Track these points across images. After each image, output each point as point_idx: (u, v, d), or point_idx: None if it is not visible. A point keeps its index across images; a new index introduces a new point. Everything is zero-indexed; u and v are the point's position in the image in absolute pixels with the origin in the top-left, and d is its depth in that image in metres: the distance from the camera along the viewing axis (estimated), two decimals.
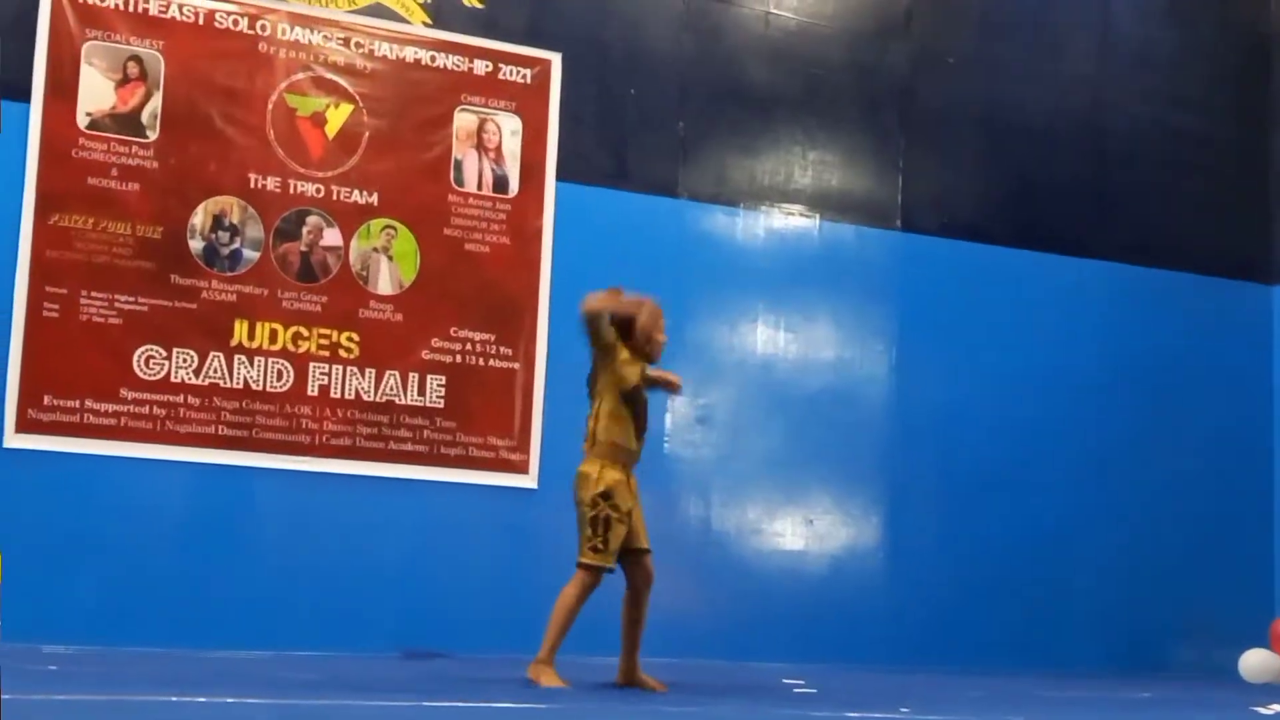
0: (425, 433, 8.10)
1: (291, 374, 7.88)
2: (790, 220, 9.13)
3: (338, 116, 8.11)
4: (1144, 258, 9.92)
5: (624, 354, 6.15)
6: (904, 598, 9.01)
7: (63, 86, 7.60)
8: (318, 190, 8.03)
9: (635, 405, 6.18)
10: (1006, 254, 9.60)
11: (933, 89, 9.56)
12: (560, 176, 8.53)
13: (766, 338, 8.96)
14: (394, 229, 8.15)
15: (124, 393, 7.59)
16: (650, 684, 6.18)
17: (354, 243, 8.08)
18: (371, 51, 8.20)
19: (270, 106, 7.98)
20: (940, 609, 9.08)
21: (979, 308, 9.47)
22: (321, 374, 7.94)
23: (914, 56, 9.54)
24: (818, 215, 9.18)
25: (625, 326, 6.19)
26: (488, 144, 8.39)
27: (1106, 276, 9.81)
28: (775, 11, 9.19)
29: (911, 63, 9.53)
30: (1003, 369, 9.45)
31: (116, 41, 7.72)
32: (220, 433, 7.74)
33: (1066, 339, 9.66)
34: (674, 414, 8.69)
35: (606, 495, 6.04)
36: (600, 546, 6.03)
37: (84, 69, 7.65)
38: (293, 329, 7.91)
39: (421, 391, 8.11)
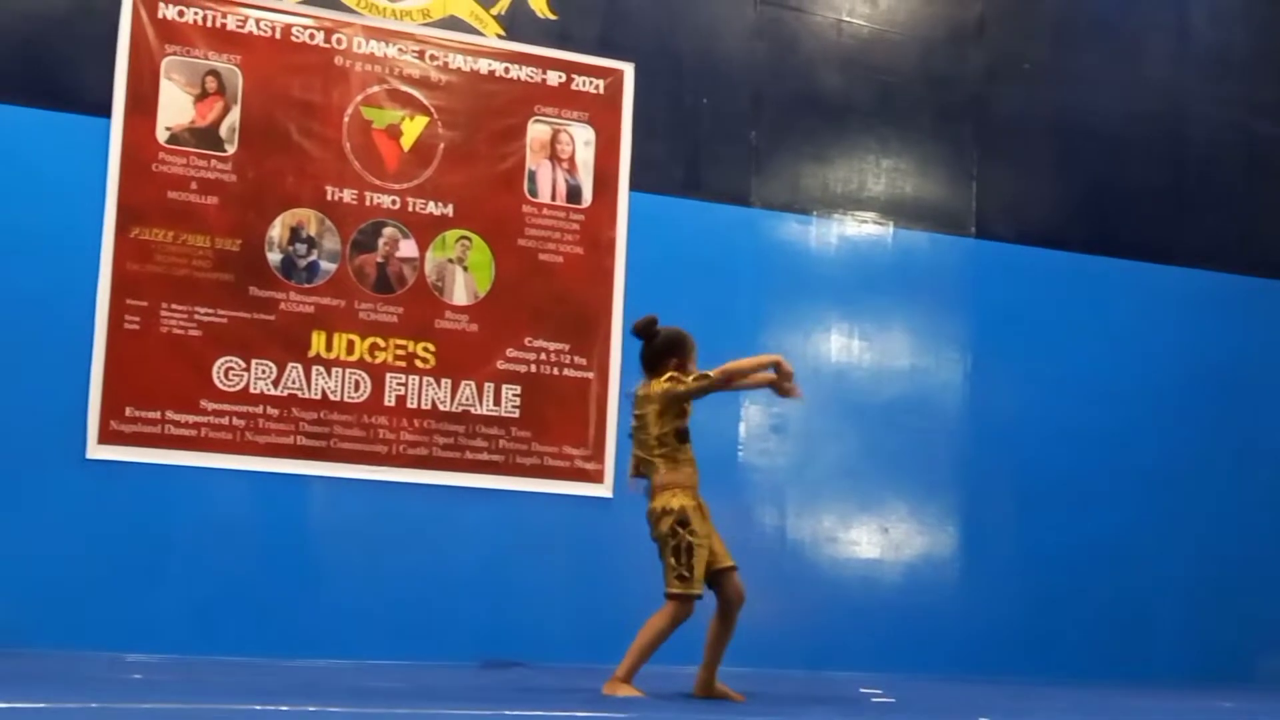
0: (500, 442, 8.13)
1: (368, 384, 7.94)
2: (864, 228, 9.11)
3: (413, 129, 8.17)
4: (1221, 263, 9.82)
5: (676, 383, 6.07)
6: (981, 606, 8.96)
7: (143, 102, 7.69)
8: (393, 202, 8.09)
9: (688, 434, 6.12)
10: (1082, 260, 9.53)
11: (1007, 95, 9.51)
12: (633, 186, 8.55)
13: (840, 346, 8.94)
14: (469, 240, 8.20)
15: (204, 404, 7.67)
16: (728, 694, 6.17)
17: (429, 254, 8.13)
18: (446, 64, 8.25)
19: (346, 119, 8.05)
20: (1018, 618, 9.02)
21: (1054, 315, 9.41)
22: (398, 384, 7.99)
23: (988, 63, 9.50)
24: (891, 223, 9.16)
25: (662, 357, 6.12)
26: (561, 155, 8.42)
27: (1183, 283, 9.71)
28: (848, 19, 9.17)
29: (985, 69, 9.49)
30: (1078, 376, 9.38)
31: (195, 57, 7.81)
32: (298, 443, 7.81)
33: (1143, 346, 9.57)
34: (748, 423, 8.69)
35: (683, 523, 5.99)
36: (686, 574, 5.97)
37: (163, 84, 7.74)
38: (369, 340, 7.97)
39: (497, 401, 8.15)
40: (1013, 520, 9.16)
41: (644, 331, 6.20)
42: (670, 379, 6.03)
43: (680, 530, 5.97)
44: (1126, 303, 9.59)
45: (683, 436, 6.08)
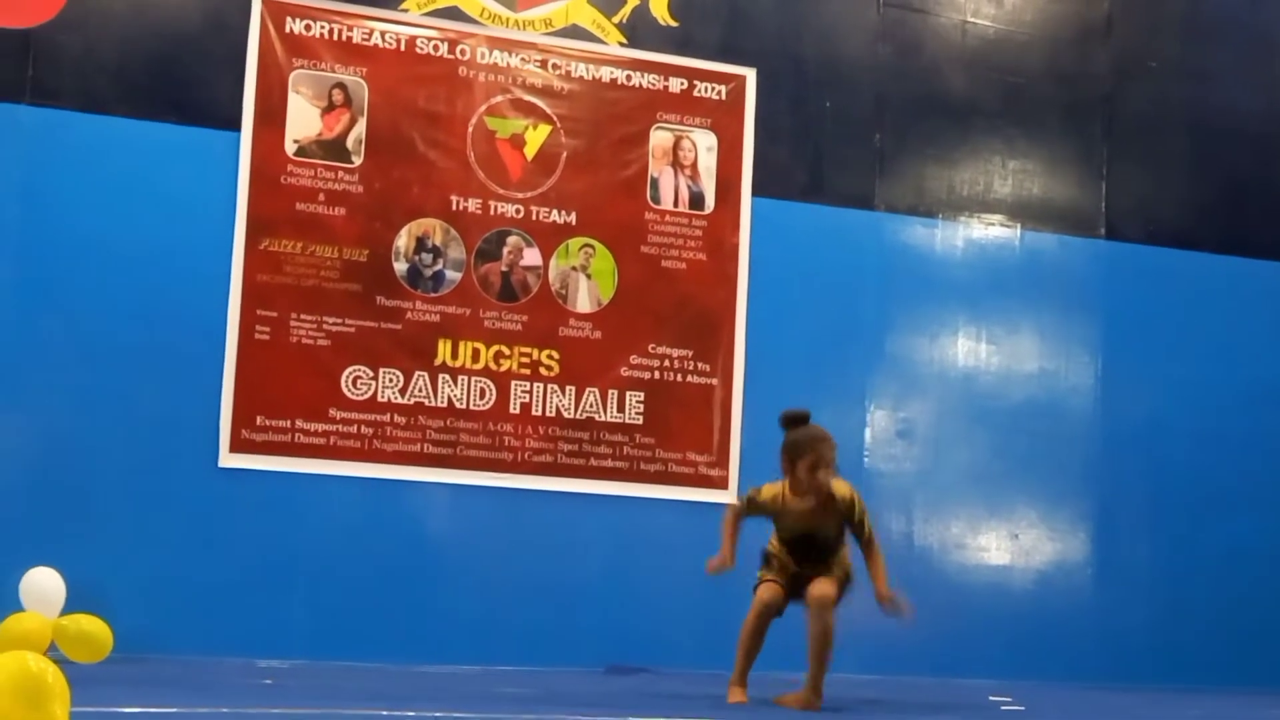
0: (625, 449, 8.15)
1: (494, 392, 8.00)
2: (990, 230, 9.00)
3: (536, 137, 8.22)
4: None
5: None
6: (1114, 613, 8.81)
7: (271, 115, 7.81)
8: (517, 211, 8.14)
9: (794, 548, 6.16)
10: (1216, 261, 9.34)
11: (1136, 94, 9.36)
12: (756, 192, 8.53)
13: (967, 350, 8.84)
14: (592, 247, 8.23)
15: (333, 412, 7.76)
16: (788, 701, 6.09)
17: (553, 262, 8.17)
18: (568, 72, 8.29)
19: (470, 129, 8.11)
20: (1152, 625, 8.86)
21: (1187, 317, 9.23)
22: (523, 392, 8.04)
23: (1116, 62, 9.35)
24: (1018, 225, 9.05)
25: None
26: (683, 161, 8.43)
27: None
28: (972, 20, 9.08)
29: (1114, 68, 9.34)
30: (1213, 379, 9.19)
31: (322, 70, 7.91)
32: (425, 451, 7.88)
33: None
34: (874, 429, 8.63)
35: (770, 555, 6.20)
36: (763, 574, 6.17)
37: (291, 97, 7.85)
38: (494, 348, 8.03)
39: (621, 408, 8.17)
40: (1146, 525, 9.00)
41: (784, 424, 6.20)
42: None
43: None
44: (1262, 304, 9.39)
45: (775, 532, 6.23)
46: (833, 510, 6.07)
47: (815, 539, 6.12)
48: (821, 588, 5.98)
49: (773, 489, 6.15)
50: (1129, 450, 9.01)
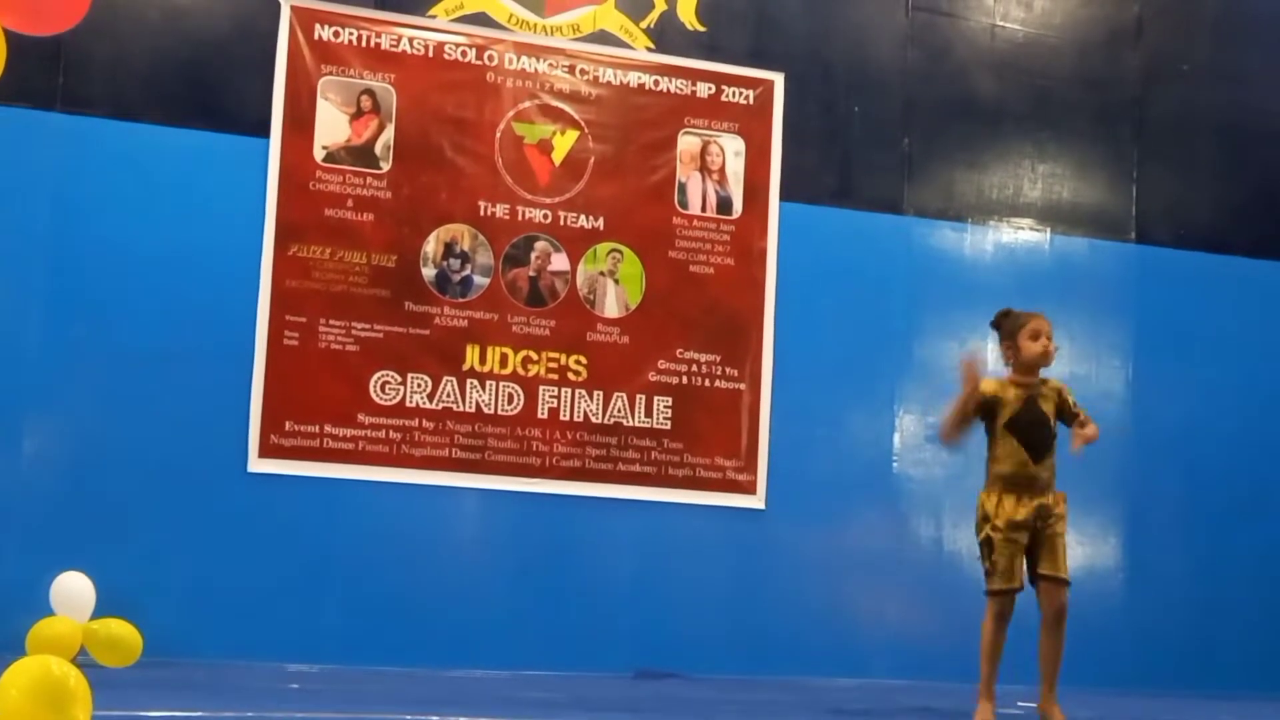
0: (653, 454, 8.14)
1: (522, 397, 8.00)
2: (1020, 234, 8.97)
3: (564, 143, 8.22)
4: None
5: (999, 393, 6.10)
6: (1146, 618, 8.76)
7: (300, 121, 7.84)
8: (545, 216, 8.14)
9: (1019, 431, 6.06)
10: (1248, 265, 9.28)
11: (1167, 97, 9.31)
12: (784, 196, 8.51)
13: (997, 355, 8.72)
14: (620, 252, 8.23)
15: (361, 417, 7.78)
16: (1054, 715, 6.06)
17: (581, 267, 8.17)
18: (596, 78, 8.29)
19: (498, 135, 8.12)
20: (1184, 631, 8.80)
21: (1220, 321, 9.17)
22: (551, 397, 8.04)
23: (1146, 65, 9.30)
24: (1048, 229, 9.01)
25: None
26: (711, 166, 8.42)
27: None
28: (1001, 24, 9.05)
29: (1144, 71, 9.29)
30: (1245, 384, 9.13)
31: (350, 76, 7.94)
32: (454, 455, 7.89)
33: None
34: (903, 434, 8.61)
35: (985, 517, 6.03)
36: (990, 569, 6.00)
37: (320, 104, 7.88)
38: (522, 353, 8.03)
39: (649, 413, 8.16)
40: (1178, 530, 8.94)
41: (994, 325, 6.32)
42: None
43: (983, 525, 6.04)
44: None
45: (992, 437, 6.11)
46: (1051, 397, 6.11)
47: (1042, 429, 6.08)
48: (1061, 596, 5.98)
49: (991, 383, 6.11)
50: (1160, 455, 8.96)
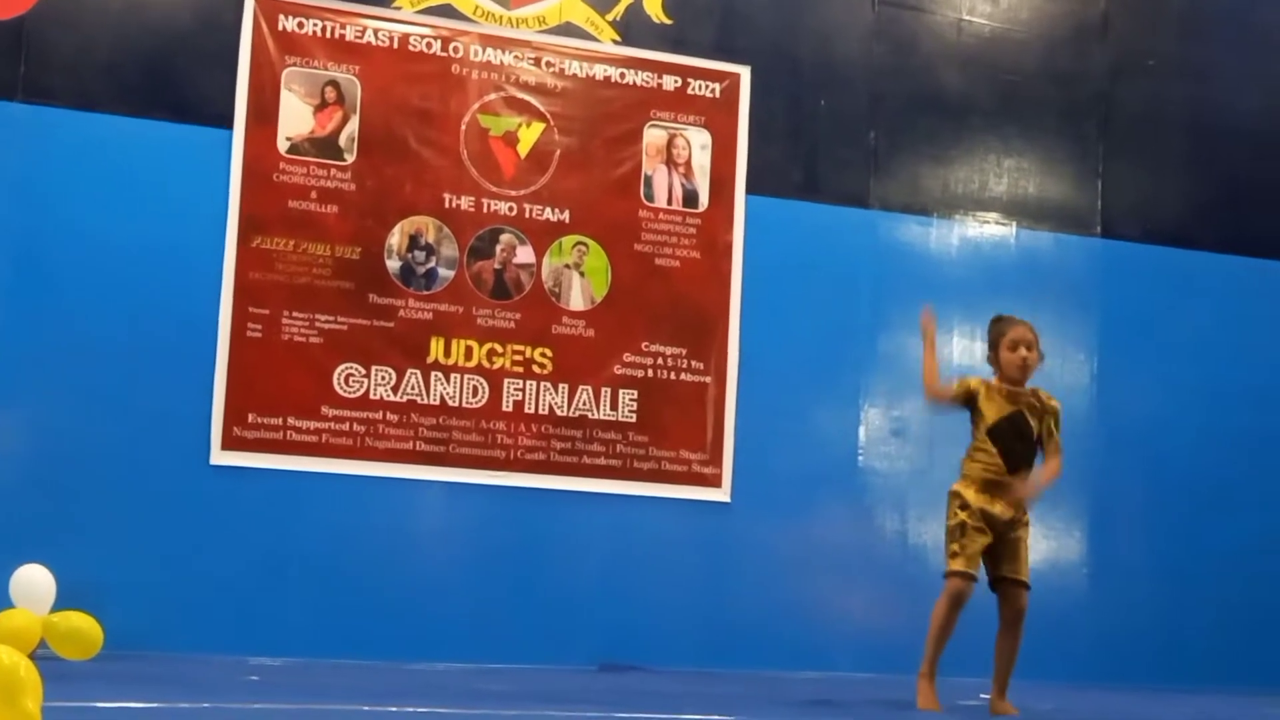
0: (618, 447, 8.13)
1: (486, 390, 7.99)
2: (985, 229, 8.98)
3: (529, 135, 8.21)
4: None
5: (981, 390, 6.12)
6: (1109, 613, 8.78)
7: (264, 113, 7.80)
8: (510, 209, 8.13)
9: (999, 440, 6.07)
10: (1213, 259, 9.31)
11: (1133, 92, 9.33)
12: (750, 190, 8.51)
13: (963, 348, 8.81)
14: (585, 245, 8.22)
15: (325, 410, 7.76)
16: (1006, 710, 6.08)
17: (546, 260, 8.16)
18: (562, 70, 8.28)
19: (464, 127, 8.10)
20: (1148, 624, 8.83)
21: (1184, 315, 9.20)
22: (515, 390, 8.03)
23: (1112, 60, 9.33)
24: (1014, 223, 9.03)
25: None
26: (677, 159, 8.41)
27: None
28: (968, 19, 9.06)
29: (1110, 66, 9.32)
30: (1210, 378, 9.16)
31: (315, 67, 7.91)
32: (418, 448, 7.87)
33: (1277, 347, 9.32)
34: (868, 427, 8.62)
35: (963, 505, 6.03)
36: (957, 551, 6.00)
37: (284, 95, 7.85)
38: (487, 346, 8.02)
39: (614, 406, 8.15)
40: (1142, 524, 8.97)
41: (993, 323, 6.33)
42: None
43: (959, 512, 6.04)
44: (1259, 302, 9.35)
45: (978, 432, 6.10)
46: (1036, 409, 6.12)
47: (1025, 443, 6.09)
48: (1022, 599, 6.02)
49: (978, 380, 6.16)
50: (1125, 449, 8.99)
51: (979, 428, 6.10)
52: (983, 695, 6.31)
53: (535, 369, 8.07)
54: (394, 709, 4.79)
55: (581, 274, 8.21)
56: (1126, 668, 8.63)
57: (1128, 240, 9.17)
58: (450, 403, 7.93)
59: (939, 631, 6.00)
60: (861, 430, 8.60)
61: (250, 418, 7.64)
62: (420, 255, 7.99)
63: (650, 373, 8.23)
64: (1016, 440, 6.07)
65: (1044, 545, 8.81)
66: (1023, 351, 6.07)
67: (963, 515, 6.01)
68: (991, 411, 6.08)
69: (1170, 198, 9.35)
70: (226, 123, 7.75)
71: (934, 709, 5.97)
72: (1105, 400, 9.00)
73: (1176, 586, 8.91)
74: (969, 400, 6.11)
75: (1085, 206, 9.15)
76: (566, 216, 8.20)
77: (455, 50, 8.13)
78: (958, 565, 5.96)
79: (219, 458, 7.59)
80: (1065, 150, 9.19)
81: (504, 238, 8.12)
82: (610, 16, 8.39)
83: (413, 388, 7.89)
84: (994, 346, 6.18)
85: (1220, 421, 9.14)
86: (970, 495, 6.04)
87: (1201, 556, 8.96)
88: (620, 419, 8.15)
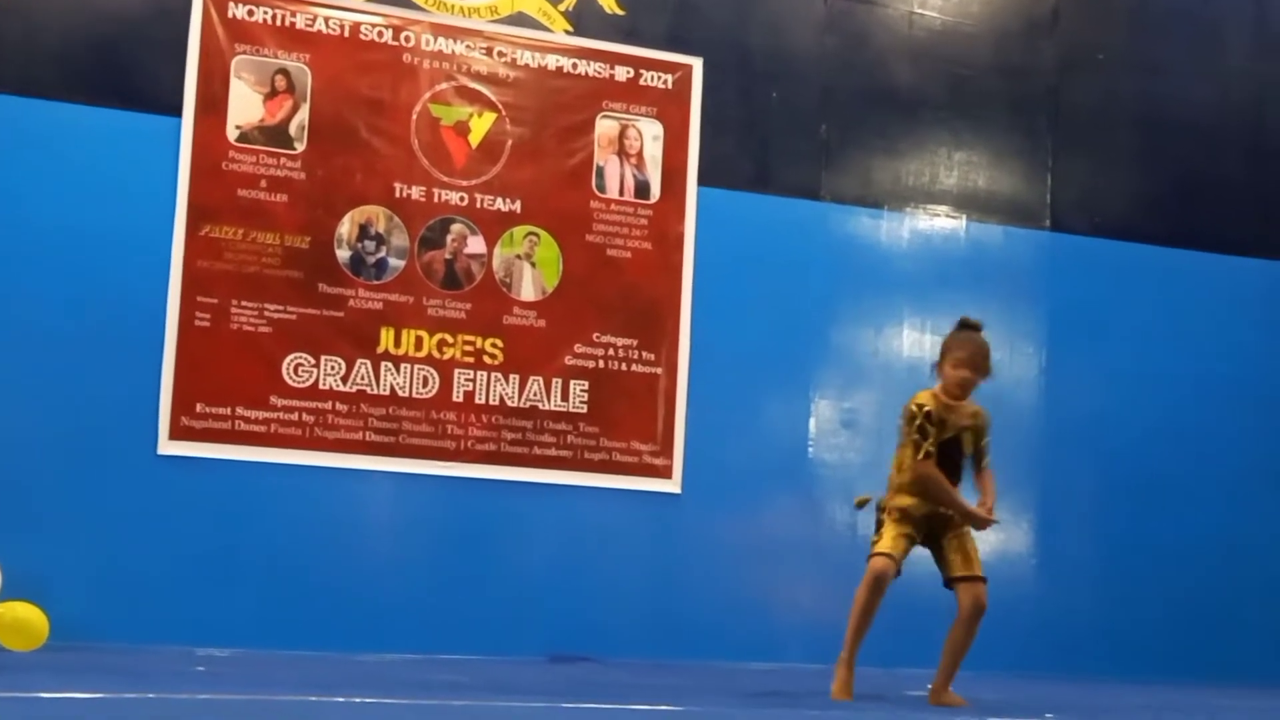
0: (569, 438, 8.13)
1: (437, 380, 7.96)
2: (935, 221, 9.02)
3: (481, 125, 8.19)
4: None
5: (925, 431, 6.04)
6: (1056, 604, 8.85)
7: (213, 101, 7.76)
8: (461, 199, 8.11)
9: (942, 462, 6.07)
10: (1162, 253, 9.37)
11: (1083, 86, 9.38)
12: (702, 181, 8.52)
13: (912, 341, 8.85)
14: (536, 236, 8.21)
15: (274, 400, 7.72)
16: (952, 700, 6.08)
17: (497, 250, 8.14)
18: (514, 60, 8.26)
19: (414, 117, 8.07)
20: (1094, 616, 8.90)
21: (1132, 309, 9.27)
22: (466, 380, 8.01)
23: (1062, 54, 9.37)
24: (964, 216, 9.06)
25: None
26: (629, 150, 8.41)
27: (1267, 276, 9.53)
28: (919, 11, 9.09)
29: (1060, 60, 9.37)
30: (1157, 372, 9.23)
31: (265, 55, 7.86)
32: (367, 439, 7.85)
33: (1225, 340, 9.39)
34: (818, 419, 8.64)
35: (880, 506, 6.12)
36: (876, 540, 6.04)
37: (233, 83, 7.80)
38: (438, 336, 7.99)
39: (565, 397, 8.15)
40: (1089, 517, 9.04)
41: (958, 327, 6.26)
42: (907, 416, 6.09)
43: (880, 512, 6.12)
44: (1207, 296, 9.42)
45: (906, 448, 6.08)
46: (969, 426, 6.08)
47: (956, 460, 6.08)
48: (981, 592, 6.02)
49: (927, 394, 6.09)
50: (1072, 441, 9.05)
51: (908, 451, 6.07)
52: (928, 686, 6.33)
53: (486, 359, 8.05)
54: (342, 700, 4.77)
55: (533, 264, 8.19)
56: (1073, 659, 8.69)
57: (1077, 234, 9.23)
58: (400, 393, 7.91)
59: (860, 617, 5.99)
60: (812, 422, 8.62)
61: (198, 407, 7.60)
62: (370, 245, 7.96)
63: (601, 364, 8.23)
64: (950, 459, 6.08)
65: (991, 537, 8.79)
66: (965, 373, 6.02)
67: (880, 514, 6.11)
68: (917, 466, 6.06)
69: (1119, 191, 9.41)
70: (175, 111, 7.70)
71: (846, 699, 5.95)
72: (1053, 392, 9.05)
73: (1122, 578, 8.98)
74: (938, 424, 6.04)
75: (1035, 200, 9.20)
76: (518, 207, 8.18)
77: (406, 39, 8.10)
78: (882, 546, 5.98)
79: (166, 447, 7.55)
80: (1015, 144, 9.24)
81: (455, 228, 8.09)
82: (562, 7, 8.37)
83: (362, 378, 7.87)
84: (943, 355, 6.12)
85: (1167, 414, 9.22)
86: (889, 498, 6.09)
87: (1148, 548, 9.03)
88: (571, 410, 8.15)
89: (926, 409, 6.02)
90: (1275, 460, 9.36)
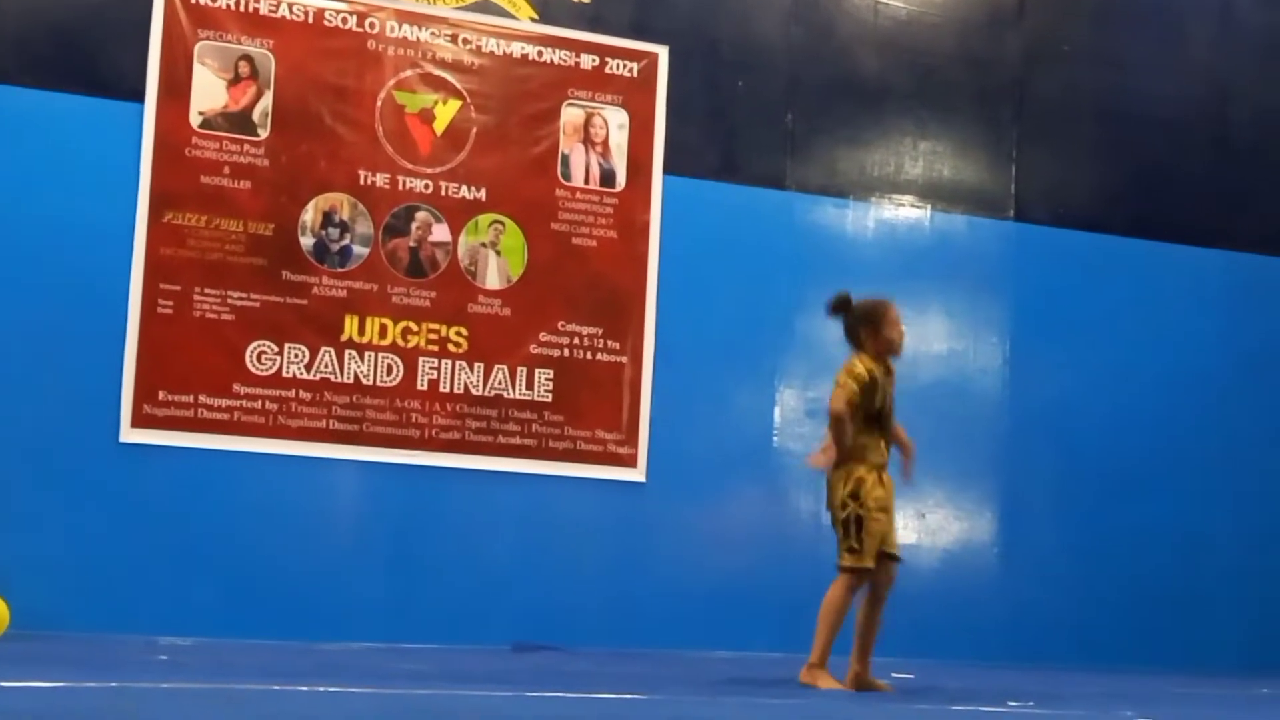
0: (533, 426, 8.12)
1: (401, 369, 7.94)
2: (900, 211, 9.03)
3: (446, 113, 8.16)
4: (1269, 247, 9.68)
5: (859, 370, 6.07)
6: (1020, 593, 8.88)
7: (176, 87, 7.71)
8: (426, 186, 8.08)
9: (879, 420, 6.10)
10: (1124, 244, 9.42)
11: (1047, 78, 9.42)
12: (667, 170, 8.51)
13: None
14: (502, 224, 8.19)
15: (237, 388, 7.69)
16: (878, 685, 6.07)
17: (462, 238, 8.12)
18: (479, 47, 8.23)
19: (379, 104, 8.04)
20: (1058, 605, 8.94)
21: (1096, 299, 9.31)
22: (430, 368, 7.99)
23: (1027, 46, 9.40)
24: (929, 206, 9.08)
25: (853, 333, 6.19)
26: (595, 138, 8.39)
27: (1230, 267, 9.58)
28: (885, 2, 9.10)
29: (1025, 52, 9.39)
30: (1121, 362, 9.27)
31: (228, 41, 7.82)
32: (331, 427, 7.82)
33: (1187, 331, 9.45)
34: (783, 408, 8.65)
35: (855, 495, 6.01)
36: (856, 547, 5.96)
37: (196, 69, 7.76)
38: (402, 324, 7.97)
39: (530, 385, 8.13)
40: (1052, 506, 9.08)
41: (836, 310, 6.27)
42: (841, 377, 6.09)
43: (850, 503, 5.99)
44: (1170, 287, 9.48)
45: (869, 420, 6.07)
46: (891, 383, 6.17)
47: (892, 416, 6.17)
48: (895, 573, 6.08)
49: (861, 364, 6.10)
50: (1036, 431, 9.08)
51: (869, 418, 6.08)
52: (895, 674, 6.35)
53: (450, 348, 8.03)
54: (305, 689, 4.76)
55: (498, 253, 8.18)
56: (1036, 648, 8.73)
57: (1040, 224, 9.26)
58: (364, 381, 7.88)
59: (837, 623, 6.03)
60: (777, 411, 8.63)
61: (161, 395, 7.56)
62: (334, 232, 7.93)
63: (566, 352, 8.22)
64: (888, 417, 6.19)
65: (955, 526, 8.90)
66: (902, 325, 6.16)
67: (854, 507, 5.99)
68: (879, 397, 6.09)
69: (1083, 182, 9.44)
70: (138, 96, 7.66)
71: (837, 686, 5.95)
72: (1017, 382, 9.08)
73: (1087, 567, 9.02)
74: (870, 392, 6.06)
75: (999, 190, 9.23)
76: (483, 195, 8.16)
77: (371, 26, 8.06)
78: (865, 563, 5.97)
79: (129, 435, 7.51)
80: (980, 134, 9.26)
81: (420, 215, 8.07)
82: None
83: (326, 366, 7.84)
84: (878, 325, 6.13)
85: (1130, 403, 9.26)
86: (863, 488, 6.03)
87: (1112, 537, 9.07)
88: (536, 398, 8.14)
89: (873, 374, 6.07)
90: (1237, 449, 9.41)
